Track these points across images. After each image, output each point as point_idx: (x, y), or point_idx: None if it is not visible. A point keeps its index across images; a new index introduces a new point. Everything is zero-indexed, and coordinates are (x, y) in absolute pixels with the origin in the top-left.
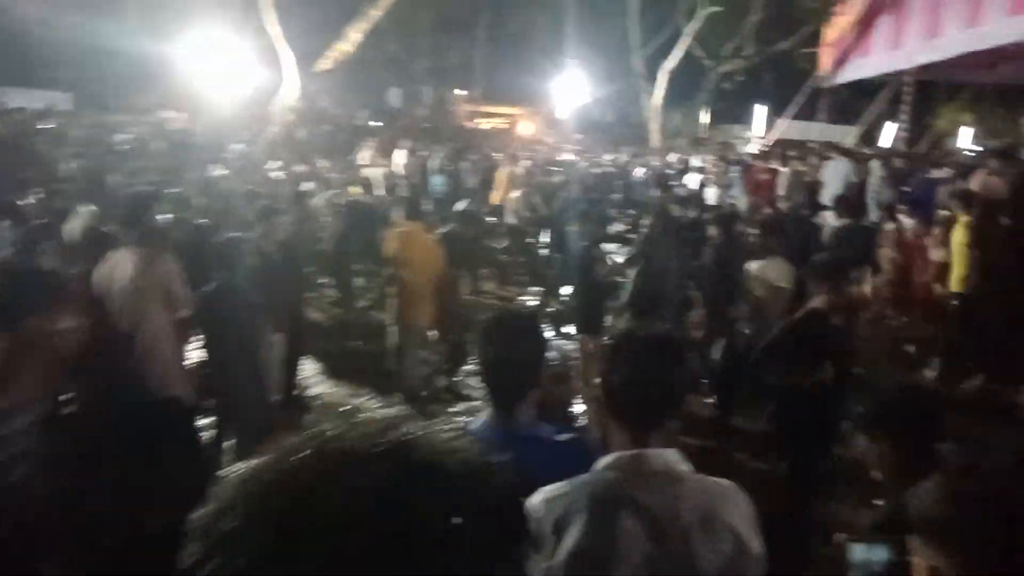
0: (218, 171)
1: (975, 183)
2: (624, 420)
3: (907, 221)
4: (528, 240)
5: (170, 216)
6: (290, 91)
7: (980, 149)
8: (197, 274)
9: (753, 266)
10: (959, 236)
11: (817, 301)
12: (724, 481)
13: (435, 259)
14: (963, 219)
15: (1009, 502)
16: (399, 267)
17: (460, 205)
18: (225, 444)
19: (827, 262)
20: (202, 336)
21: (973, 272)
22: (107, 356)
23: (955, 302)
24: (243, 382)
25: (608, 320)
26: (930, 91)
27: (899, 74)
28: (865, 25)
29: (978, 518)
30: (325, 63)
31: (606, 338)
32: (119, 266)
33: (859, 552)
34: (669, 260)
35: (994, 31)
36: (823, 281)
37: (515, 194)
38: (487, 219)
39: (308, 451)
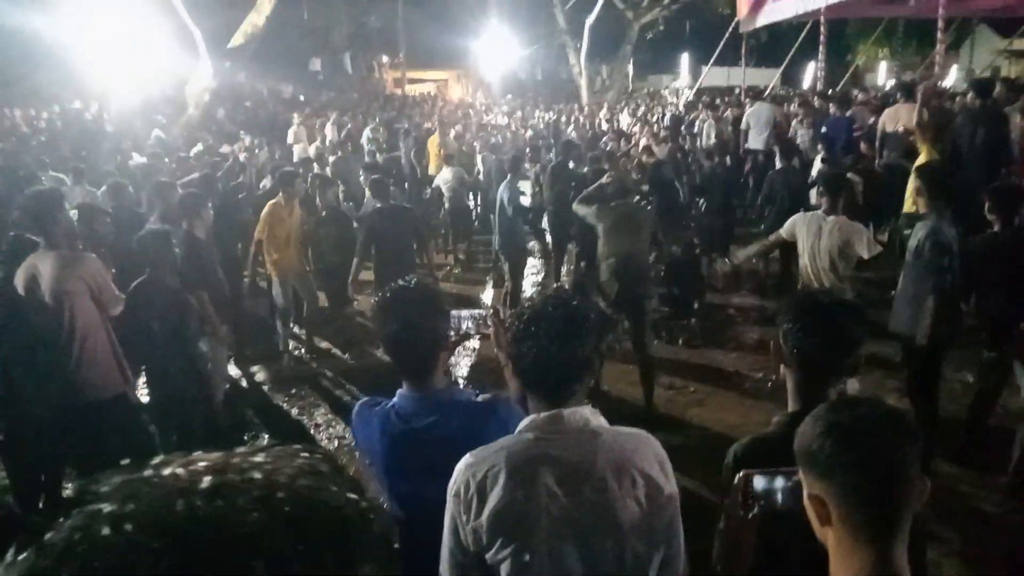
0: (136, 160)
1: (886, 116)
2: (536, 392)
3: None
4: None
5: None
6: (204, 70)
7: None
8: (132, 267)
9: None
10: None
11: None
12: (636, 430)
13: (296, 230)
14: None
15: (876, 434)
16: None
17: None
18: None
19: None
20: (134, 333)
21: None
22: (32, 361)
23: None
24: (179, 378)
25: None
26: (846, 29)
27: (814, 14)
28: None
29: (848, 449)
30: (239, 38)
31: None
32: (39, 271)
33: (759, 483)
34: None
35: None
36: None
37: (447, 170)
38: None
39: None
